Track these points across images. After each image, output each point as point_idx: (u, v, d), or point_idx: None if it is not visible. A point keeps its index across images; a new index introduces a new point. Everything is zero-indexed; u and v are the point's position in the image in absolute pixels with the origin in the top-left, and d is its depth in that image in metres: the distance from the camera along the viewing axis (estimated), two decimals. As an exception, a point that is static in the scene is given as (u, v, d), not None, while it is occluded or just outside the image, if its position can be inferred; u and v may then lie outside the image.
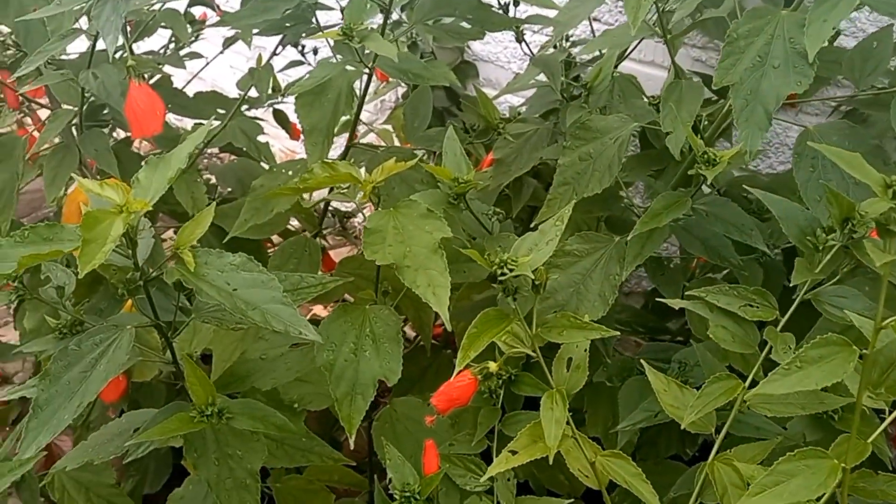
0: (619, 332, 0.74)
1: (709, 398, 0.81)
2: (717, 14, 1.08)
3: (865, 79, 0.98)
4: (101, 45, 1.10)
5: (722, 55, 0.90)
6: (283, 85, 1.60)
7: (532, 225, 1.12)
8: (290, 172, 1.22)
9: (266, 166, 1.48)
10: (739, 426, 0.93)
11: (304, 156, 1.32)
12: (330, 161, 1.00)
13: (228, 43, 1.46)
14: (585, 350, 0.77)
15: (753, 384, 0.82)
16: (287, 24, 1.19)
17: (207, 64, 1.54)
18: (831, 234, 0.83)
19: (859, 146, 0.94)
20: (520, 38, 1.35)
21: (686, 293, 0.86)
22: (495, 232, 1.04)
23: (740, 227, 0.98)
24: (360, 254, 1.81)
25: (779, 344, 0.80)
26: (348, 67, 1.08)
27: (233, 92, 1.56)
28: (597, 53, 1.60)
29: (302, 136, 1.79)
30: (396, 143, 1.76)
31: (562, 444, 0.70)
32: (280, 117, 1.71)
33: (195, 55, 1.48)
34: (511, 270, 0.69)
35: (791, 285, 0.92)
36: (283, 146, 2.33)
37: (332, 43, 1.44)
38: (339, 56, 1.41)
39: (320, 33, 1.04)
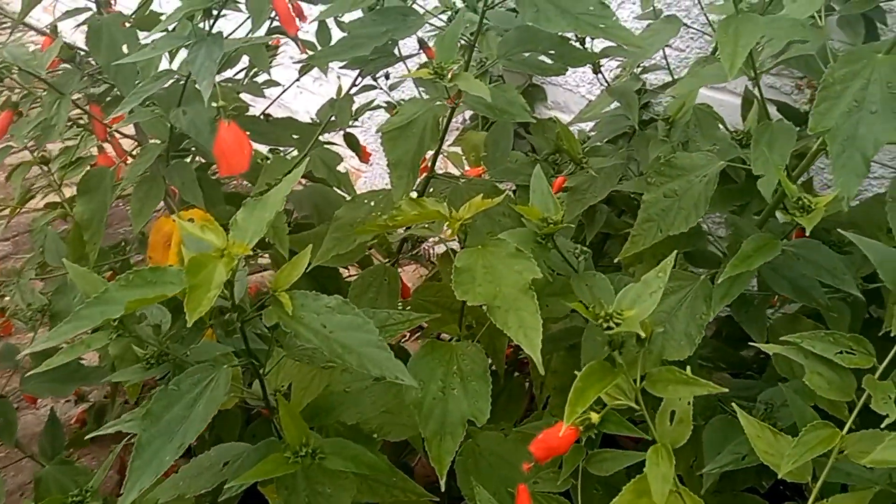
0: (727, 390, 0.74)
1: (806, 447, 0.80)
2: (804, 52, 1.07)
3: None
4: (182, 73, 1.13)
5: (817, 99, 0.89)
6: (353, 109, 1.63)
7: (615, 260, 1.13)
8: (372, 203, 1.24)
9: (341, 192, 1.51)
10: (830, 472, 0.91)
11: (371, 173, 1.32)
12: (418, 198, 1.02)
13: (304, 70, 1.49)
14: (689, 403, 0.77)
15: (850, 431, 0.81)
16: (371, 58, 1.21)
17: (284, 91, 1.57)
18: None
19: (957, 188, 0.92)
20: (597, 70, 1.35)
21: (781, 339, 0.86)
22: (581, 270, 1.05)
23: (832, 271, 0.97)
24: (432, 278, 1.83)
25: (878, 394, 0.79)
26: (436, 104, 1.09)
27: (299, 109, 1.59)
28: (668, 80, 1.60)
29: (371, 159, 1.83)
30: (466, 166, 1.77)
31: (667, 500, 0.71)
32: (350, 140, 1.73)
33: (272, 83, 1.51)
34: (618, 324, 0.69)
35: (884, 329, 0.92)
36: (349, 165, 2.36)
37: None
38: (417, 86, 1.43)
39: (409, 72, 1.06)
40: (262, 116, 1.55)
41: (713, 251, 1.20)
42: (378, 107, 1.68)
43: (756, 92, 1.05)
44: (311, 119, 1.67)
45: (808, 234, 0.85)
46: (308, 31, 1.47)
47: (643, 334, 0.69)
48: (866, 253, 0.84)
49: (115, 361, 1.37)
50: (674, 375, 0.72)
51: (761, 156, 0.96)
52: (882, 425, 0.77)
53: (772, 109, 1.45)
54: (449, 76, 0.99)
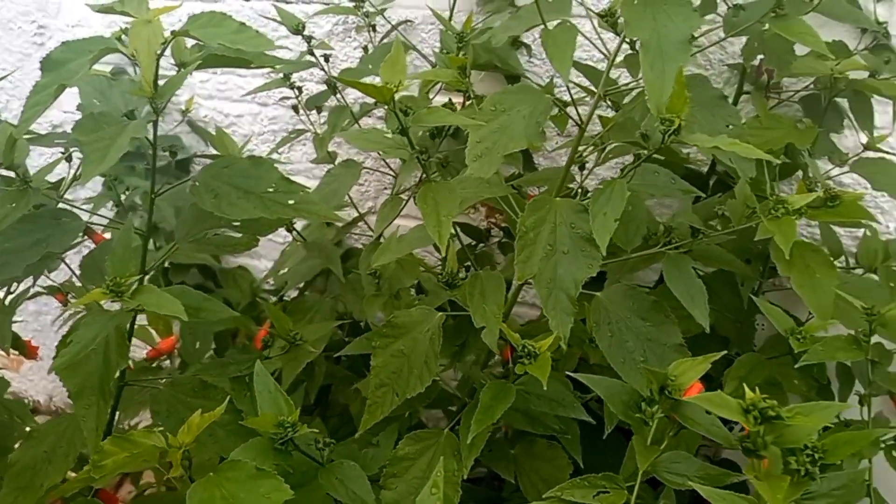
0: None
1: None
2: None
3: (631, 240, 1.08)
4: None
5: (517, 249, 0.94)
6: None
7: (356, 435, 1.07)
8: (54, 435, 1.03)
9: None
10: None
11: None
12: (124, 435, 0.86)
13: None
14: None
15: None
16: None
17: None
18: (654, 405, 0.88)
19: (641, 304, 1.02)
20: (290, 229, 1.30)
21: (544, 497, 0.86)
22: (326, 461, 0.97)
23: (562, 402, 1.01)
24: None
25: (641, 530, 0.82)
26: (117, 315, 0.94)
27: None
28: (353, 214, 1.61)
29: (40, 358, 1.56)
30: (156, 337, 1.59)
31: None
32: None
33: None
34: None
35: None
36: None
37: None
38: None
39: (78, 300, 0.90)
40: None
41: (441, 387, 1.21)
42: (34, 295, 1.45)
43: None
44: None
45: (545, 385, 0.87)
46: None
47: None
48: (593, 388, 0.88)
49: None
50: None
51: (479, 308, 0.98)
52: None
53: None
54: (130, 292, 0.87)
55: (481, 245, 1.58)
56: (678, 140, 0.84)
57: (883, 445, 1.19)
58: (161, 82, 0.94)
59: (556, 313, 0.92)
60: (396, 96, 0.85)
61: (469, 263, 1.19)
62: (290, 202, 0.97)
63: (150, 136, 0.98)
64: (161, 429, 0.87)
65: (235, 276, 1.69)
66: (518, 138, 0.95)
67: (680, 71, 0.83)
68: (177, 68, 1.00)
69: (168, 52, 0.95)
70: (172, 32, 0.95)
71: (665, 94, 0.83)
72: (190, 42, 1.02)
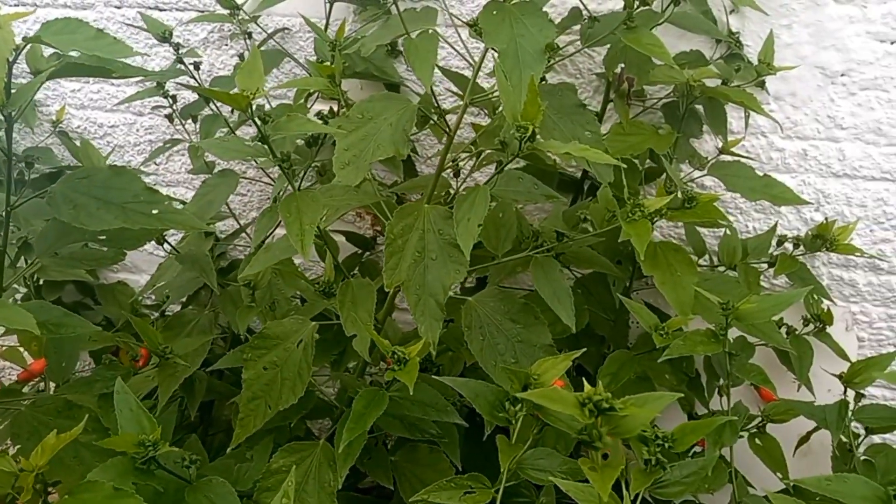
0: None
1: None
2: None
3: (501, 245, 1.10)
4: None
5: (385, 256, 0.94)
6: None
7: (229, 450, 1.05)
8: None
9: None
10: None
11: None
12: (-28, 461, 0.82)
13: None
14: None
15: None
16: None
17: None
18: (517, 404, 0.90)
19: (511, 306, 1.05)
20: (161, 241, 1.26)
21: (412, 500, 0.87)
22: (194, 479, 0.94)
23: (436, 406, 1.02)
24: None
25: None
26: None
27: None
28: (237, 226, 1.58)
29: None
30: (28, 359, 1.51)
31: None
32: None
33: None
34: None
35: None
36: None
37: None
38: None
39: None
40: None
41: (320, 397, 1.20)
42: None
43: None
44: None
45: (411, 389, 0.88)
46: None
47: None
48: (459, 390, 0.90)
49: None
50: None
51: (349, 316, 0.98)
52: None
53: (339, 238, 1.53)
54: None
55: (367, 253, 1.58)
56: (534, 147, 0.86)
57: (745, 433, 1.26)
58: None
59: (424, 319, 0.94)
60: (254, 103, 0.84)
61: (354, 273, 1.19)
62: (154, 212, 0.95)
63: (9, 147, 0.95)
64: (13, 452, 0.83)
65: (115, 292, 1.63)
66: (385, 146, 0.96)
67: (533, 79, 0.85)
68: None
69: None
70: (24, 39, 0.91)
71: (520, 102, 0.85)
72: (52, 50, 0.99)
